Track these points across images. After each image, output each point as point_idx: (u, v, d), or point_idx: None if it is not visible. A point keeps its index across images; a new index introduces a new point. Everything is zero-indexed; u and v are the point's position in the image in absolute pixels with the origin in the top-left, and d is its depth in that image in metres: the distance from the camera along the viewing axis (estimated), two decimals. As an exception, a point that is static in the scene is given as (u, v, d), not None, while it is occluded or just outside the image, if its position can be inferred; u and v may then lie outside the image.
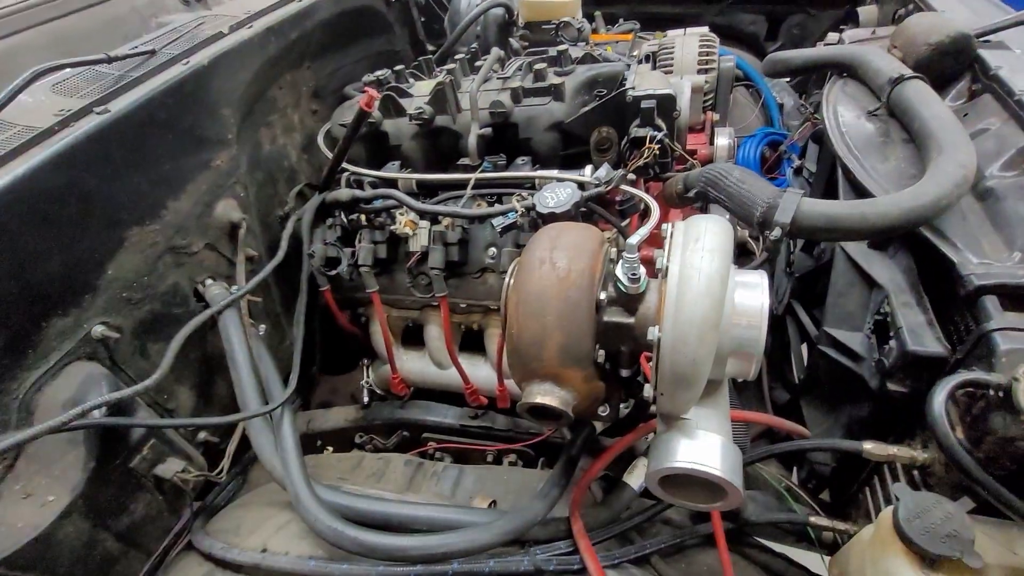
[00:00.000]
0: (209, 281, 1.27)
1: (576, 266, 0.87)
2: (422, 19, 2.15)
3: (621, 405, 1.10)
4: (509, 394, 1.49)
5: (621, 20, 2.26)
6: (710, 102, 1.56)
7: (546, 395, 0.88)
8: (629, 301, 0.91)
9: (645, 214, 1.50)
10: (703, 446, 0.86)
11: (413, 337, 1.64)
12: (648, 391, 0.88)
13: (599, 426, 1.37)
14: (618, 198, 1.31)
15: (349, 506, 0.99)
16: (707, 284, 0.78)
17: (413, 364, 1.60)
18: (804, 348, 1.56)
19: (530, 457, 1.53)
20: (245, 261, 1.36)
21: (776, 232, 0.97)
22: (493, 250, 1.35)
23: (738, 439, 1.20)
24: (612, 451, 1.25)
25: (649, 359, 0.99)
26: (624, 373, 1.01)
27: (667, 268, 0.82)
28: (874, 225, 0.94)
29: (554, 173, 1.27)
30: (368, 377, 1.68)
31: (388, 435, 1.63)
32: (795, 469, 1.51)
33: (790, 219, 0.97)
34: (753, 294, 0.84)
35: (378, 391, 1.69)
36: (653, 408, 1.37)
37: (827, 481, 1.39)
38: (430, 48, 2.18)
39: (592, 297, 0.87)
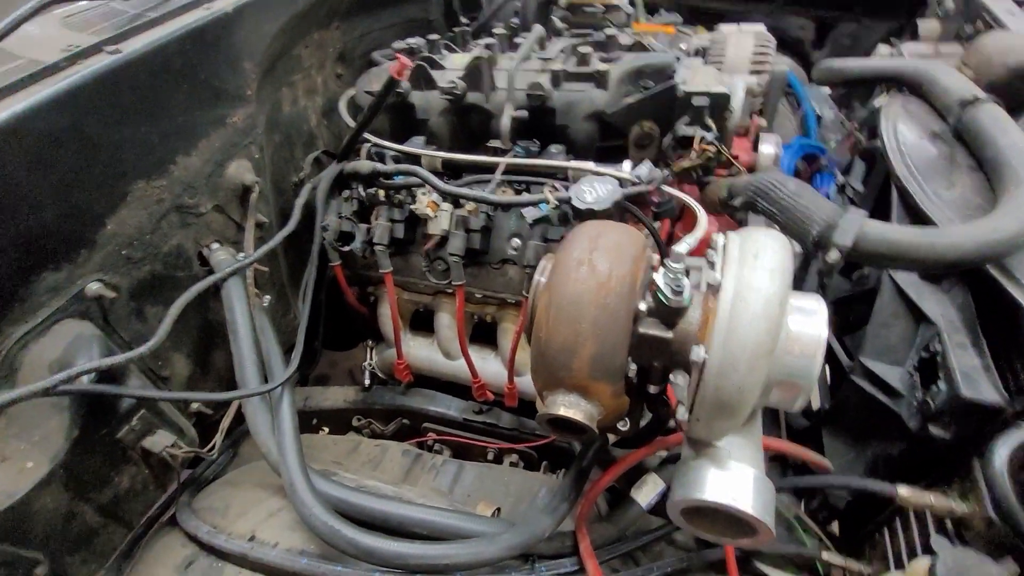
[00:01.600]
0: (215, 245, 1.20)
1: (617, 271, 0.80)
2: (459, -12, 2.04)
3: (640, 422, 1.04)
4: (518, 393, 1.43)
5: (662, 10, 2.16)
6: (758, 106, 1.47)
7: (571, 408, 0.81)
8: (669, 314, 0.83)
9: (679, 219, 1.42)
10: (735, 480, 0.80)
11: (422, 323, 1.57)
12: (682, 414, 0.81)
13: (612, 439, 1.30)
14: (655, 199, 1.23)
15: (345, 500, 0.93)
16: (765, 306, 0.70)
17: (420, 351, 1.53)
18: (828, 374, 1.49)
19: (532, 459, 1.48)
20: (255, 227, 1.29)
21: (834, 255, 0.90)
22: (517, 241, 1.27)
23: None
24: (623, 464, 1.18)
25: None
26: (652, 390, 0.94)
27: (720, 284, 0.75)
28: (942, 256, 0.86)
29: (590, 165, 1.19)
30: (371, 359, 1.61)
31: (387, 421, 1.58)
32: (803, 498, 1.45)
33: (851, 241, 0.89)
34: (810, 321, 0.77)
35: (380, 375, 1.62)
36: (671, 424, 1.31)
37: (840, 514, 1.33)
38: (464, 21, 2.08)
39: (631, 306, 0.80)
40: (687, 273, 0.83)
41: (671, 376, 0.88)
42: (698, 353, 0.74)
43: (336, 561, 0.83)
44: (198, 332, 1.21)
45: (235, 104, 1.19)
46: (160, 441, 0.97)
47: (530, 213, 1.07)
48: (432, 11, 1.91)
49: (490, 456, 1.48)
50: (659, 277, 0.83)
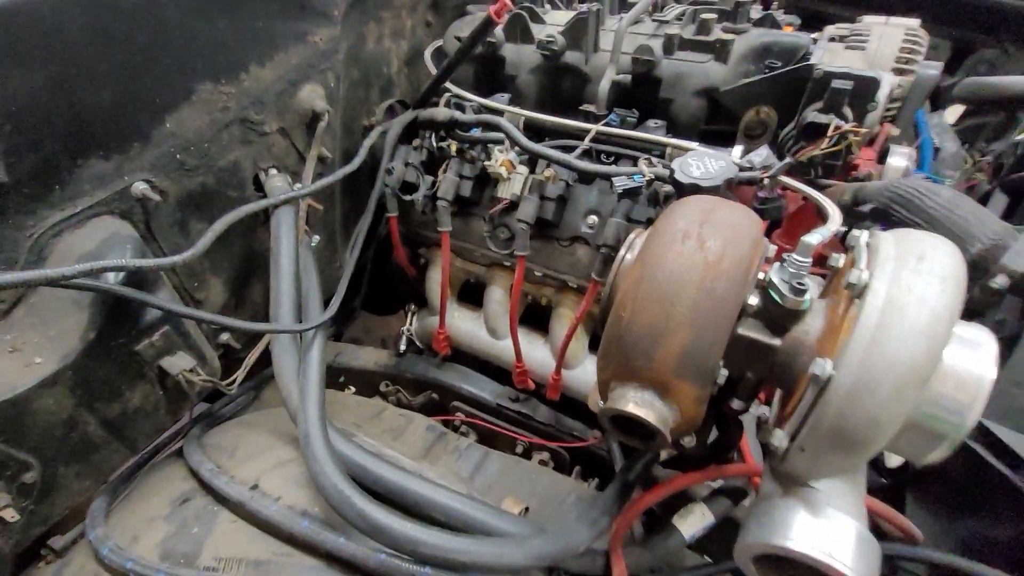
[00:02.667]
0: (273, 171, 1.12)
1: (732, 252, 0.65)
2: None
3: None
4: (563, 387, 1.29)
5: (776, 6, 1.96)
6: (893, 112, 1.28)
7: (644, 406, 0.67)
8: (781, 318, 0.68)
9: (778, 225, 1.25)
10: (834, 531, 0.64)
11: (471, 296, 1.46)
12: (779, 440, 0.65)
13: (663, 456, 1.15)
14: (760, 194, 1.07)
15: (362, 465, 0.82)
16: (929, 320, 0.54)
17: (464, 324, 1.42)
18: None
19: (563, 461, 1.34)
20: (317, 160, 1.20)
21: (1000, 280, 0.72)
22: (594, 218, 1.14)
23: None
24: (671, 486, 1.03)
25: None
26: (736, 406, 0.79)
27: (868, 285, 0.59)
28: None
29: (695, 146, 1.04)
30: (411, 325, 1.52)
31: (416, 392, 1.47)
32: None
33: (1027, 268, 0.71)
34: (974, 356, 0.60)
35: (417, 342, 1.53)
36: (732, 464, 1.14)
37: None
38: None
39: (740, 298, 0.65)
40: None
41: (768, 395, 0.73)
42: (822, 367, 0.58)
43: (339, 531, 0.72)
44: (240, 260, 1.14)
45: (320, 22, 1.11)
46: (179, 363, 0.89)
47: (619, 182, 0.93)
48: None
49: (518, 449, 1.35)
50: (775, 272, 0.68)
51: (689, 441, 0.84)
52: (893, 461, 1.36)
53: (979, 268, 0.76)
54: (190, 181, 0.97)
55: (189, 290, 1.03)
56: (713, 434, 1.10)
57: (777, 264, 0.69)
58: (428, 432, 1.30)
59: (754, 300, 0.67)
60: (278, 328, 0.94)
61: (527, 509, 0.88)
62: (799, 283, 0.66)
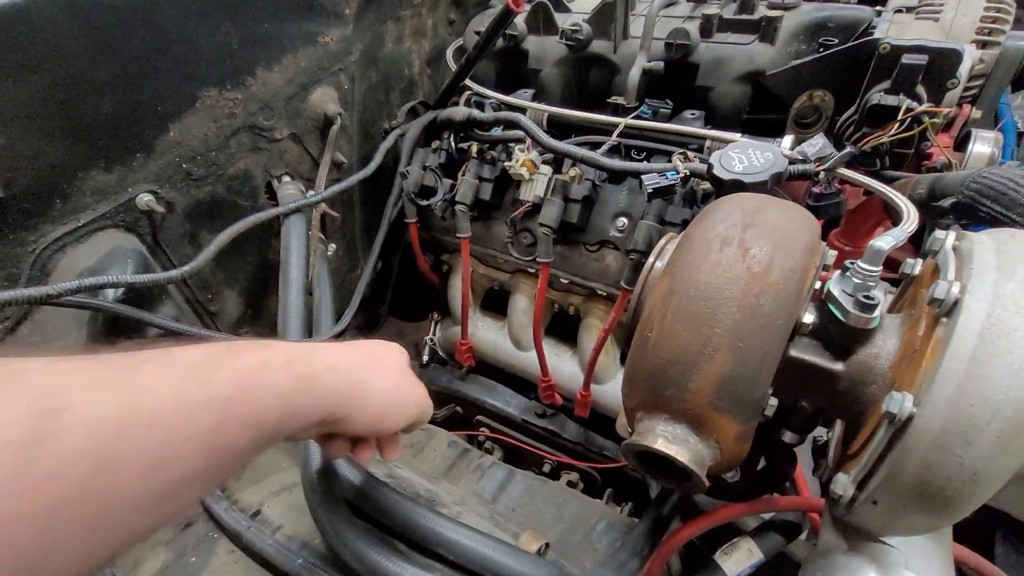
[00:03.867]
0: (286, 179, 1.08)
1: (782, 262, 0.54)
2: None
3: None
4: (592, 403, 1.19)
5: None
6: (974, 92, 1.11)
7: (674, 443, 0.57)
8: (844, 338, 0.57)
9: (837, 225, 1.11)
10: (915, 603, 0.52)
11: (496, 304, 1.39)
12: (844, 487, 0.54)
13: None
14: (815, 189, 0.94)
15: (368, 493, 0.75)
16: (1048, 350, 0.42)
17: (488, 334, 1.34)
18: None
19: (594, 482, 1.24)
20: (333, 167, 1.16)
21: None
22: (623, 221, 1.04)
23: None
24: (714, 518, 0.91)
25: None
26: (788, 439, 0.68)
27: (959, 301, 0.47)
28: None
29: (737, 137, 0.92)
30: (434, 334, 1.45)
31: (439, 405, 1.41)
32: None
33: None
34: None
35: (441, 353, 1.46)
36: (784, 497, 1.02)
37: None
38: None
39: (793, 316, 0.54)
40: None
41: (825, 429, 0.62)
42: (900, 404, 0.47)
43: (337, 570, 0.66)
44: (255, 271, 1.10)
45: (330, 23, 1.06)
46: (183, 380, 0.86)
47: (650, 179, 0.83)
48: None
49: (546, 468, 1.26)
50: (835, 283, 0.56)
51: (733, 476, 0.74)
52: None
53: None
54: (198, 191, 0.94)
55: (202, 302, 1.01)
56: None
57: (838, 273, 0.57)
58: (450, 449, 1.23)
59: (810, 318, 0.56)
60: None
61: (547, 545, 0.79)
62: (866, 296, 0.54)
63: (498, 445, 1.33)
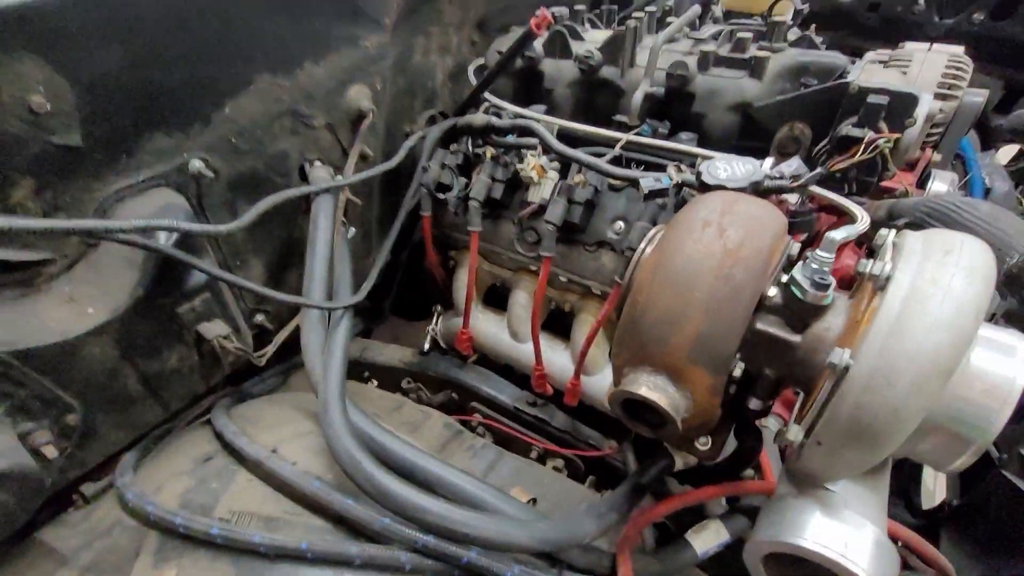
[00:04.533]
0: (318, 163, 1.19)
1: (752, 242, 0.65)
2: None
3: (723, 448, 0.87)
4: (581, 393, 1.29)
5: (823, 47, 1.98)
6: (935, 138, 1.26)
7: (656, 390, 0.67)
8: (801, 314, 0.68)
9: (812, 242, 1.23)
10: (850, 533, 0.62)
11: (496, 300, 1.49)
12: (795, 434, 0.64)
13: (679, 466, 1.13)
14: (791, 208, 1.07)
15: (377, 439, 0.84)
16: (954, 311, 0.53)
17: (488, 326, 1.44)
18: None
19: (578, 470, 1.32)
20: (360, 157, 1.27)
21: (1040, 291, 0.69)
22: (621, 225, 1.15)
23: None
24: (686, 498, 1.01)
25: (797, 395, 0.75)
26: (753, 405, 0.78)
27: (891, 277, 0.58)
28: None
29: (732, 156, 1.05)
30: (436, 324, 1.55)
31: (436, 390, 1.49)
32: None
33: (1069, 279, 0.68)
34: (1003, 360, 0.58)
35: (441, 342, 1.55)
36: (751, 480, 1.11)
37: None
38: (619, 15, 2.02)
39: (759, 288, 0.65)
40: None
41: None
42: (840, 356, 0.57)
43: (349, 495, 0.74)
44: (281, 244, 1.20)
45: (371, 28, 1.19)
46: (214, 329, 0.94)
47: (647, 182, 0.95)
48: (580, -2, 1.87)
49: (533, 455, 1.34)
50: (798, 269, 0.68)
51: (704, 443, 0.83)
52: (936, 497, 1.29)
53: (1020, 280, 0.74)
54: (241, 163, 1.04)
55: (231, 267, 1.10)
56: (731, 448, 1.07)
57: (800, 263, 0.69)
58: (445, 429, 1.31)
59: (773, 292, 0.67)
60: (309, 302, 0.98)
61: (535, 500, 0.87)
62: (821, 278, 0.65)
63: (489, 431, 1.41)
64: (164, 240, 0.86)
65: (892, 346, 0.54)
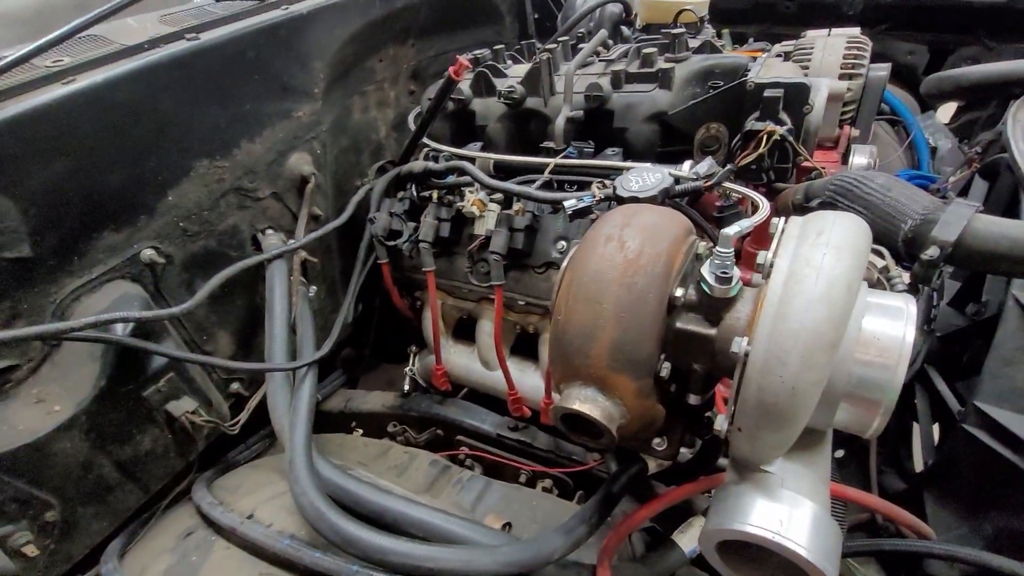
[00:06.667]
0: (269, 231, 1.24)
1: (649, 249, 0.70)
2: (535, 16, 2.09)
3: (684, 446, 0.90)
4: (556, 411, 1.31)
5: (751, 40, 2.07)
6: (850, 115, 1.32)
7: (587, 402, 0.70)
8: (713, 307, 0.72)
9: (748, 235, 1.28)
10: (787, 512, 0.64)
11: (466, 332, 1.52)
12: (720, 423, 0.67)
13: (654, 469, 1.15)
14: (718, 203, 1.11)
15: (345, 487, 0.87)
16: (826, 287, 0.57)
17: (460, 359, 1.47)
18: (936, 428, 1.23)
19: (567, 487, 1.34)
20: (310, 219, 1.33)
21: (932, 252, 0.73)
22: (563, 244, 1.20)
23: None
24: (665, 499, 1.02)
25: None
26: (693, 400, 0.81)
27: (772, 263, 0.62)
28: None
29: (646, 166, 1.10)
30: (413, 365, 1.58)
31: (421, 430, 1.51)
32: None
33: (955, 237, 0.72)
34: (891, 322, 0.62)
35: (421, 382, 1.58)
36: (724, 461, 1.13)
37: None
38: (539, 46, 2.12)
39: (664, 290, 0.69)
40: (737, 263, 0.71)
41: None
42: (739, 344, 0.61)
43: (318, 548, 0.76)
44: (245, 313, 1.24)
45: (302, 100, 1.26)
46: (182, 406, 0.98)
47: (570, 204, 1.00)
48: (507, 35, 1.97)
49: (523, 479, 1.36)
50: (705, 267, 0.72)
51: (659, 443, 0.86)
52: (917, 463, 1.31)
53: (916, 243, 0.78)
54: (193, 245, 1.10)
55: (198, 343, 1.14)
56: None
57: (710, 258, 0.73)
58: (431, 467, 1.33)
59: (680, 292, 0.71)
60: (269, 366, 1.02)
61: (509, 524, 0.89)
62: (723, 272, 0.69)
63: (478, 462, 1.43)
64: (121, 330, 0.91)
65: (779, 327, 0.58)
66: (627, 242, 0.71)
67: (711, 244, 0.81)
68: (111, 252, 0.96)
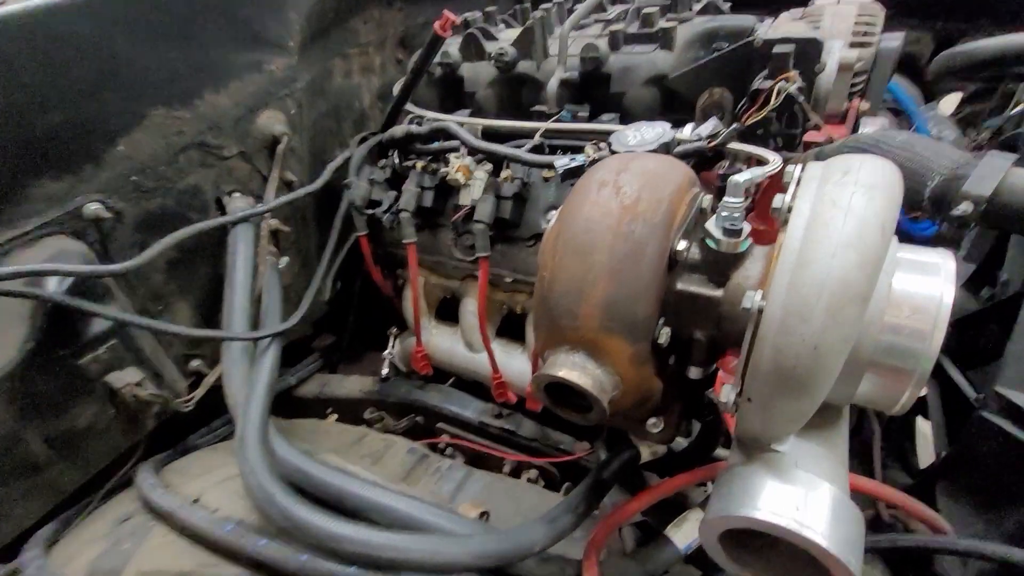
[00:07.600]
0: (236, 194, 1.15)
1: (648, 195, 0.61)
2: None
3: (681, 428, 0.81)
4: (543, 396, 1.22)
5: None
6: (860, 87, 1.24)
7: (573, 369, 0.61)
8: (720, 266, 0.63)
9: (751, 209, 1.20)
10: (803, 496, 0.56)
11: (450, 313, 1.43)
12: (727, 394, 0.59)
13: (647, 457, 1.06)
14: (721, 172, 1.03)
15: (303, 469, 0.77)
16: (856, 229, 0.49)
17: (442, 340, 1.38)
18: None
19: (553, 478, 1.25)
20: (282, 185, 1.23)
21: (964, 207, 0.65)
22: (554, 213, 1.11)
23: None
24: (658, 491, 0.94)
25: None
26: (693, 374, 0.72)
27: (790, 207, 0.54)
28: None
29: (644, 123, 1.02)
30: (393, 348, 1.49)
31: (400, 416, 1.42)
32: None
33: (990, 191, 0.64)
34: (926, 279, 0.54)
35: (401, 366, 1.49)
36: (722, 453, 1.04)
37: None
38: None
39: (665, 242, 0.61)
40: (748, 216, 0.63)
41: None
42: (751, 299, 0.52)
43: (263, 535, 0.67)
44: (208, 283, 1.14)
45: (275, 53, 1.17)
46: (124, 377, 0.88)
47: (561, 163, 0.91)
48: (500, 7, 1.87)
49: (507, 469, 1.27)
50: (710, 221, 0.63)
51: (655, 424, 0.77)
52: (928, 455, 1.23)
53: (943, 200, 0.70)
54: (148, 202, 1.00)
55: (152, 312, 1.04)
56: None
57: (717, 211, 0.65)
58: (409, 455, 1.24)
59: (683, 245, 0.62)
60: (227, 335, 0.93)
61: (487, 513, 0.80)
62: (732, 224, 0.61)
63: (459, 450, 1.34)
64: (55, 286, 0.80)
65: (800, 277, 0.49)
66: (623, 187, 0.62)
67: (717, 201, 0.72)
68: (49, 202, 0.86)
